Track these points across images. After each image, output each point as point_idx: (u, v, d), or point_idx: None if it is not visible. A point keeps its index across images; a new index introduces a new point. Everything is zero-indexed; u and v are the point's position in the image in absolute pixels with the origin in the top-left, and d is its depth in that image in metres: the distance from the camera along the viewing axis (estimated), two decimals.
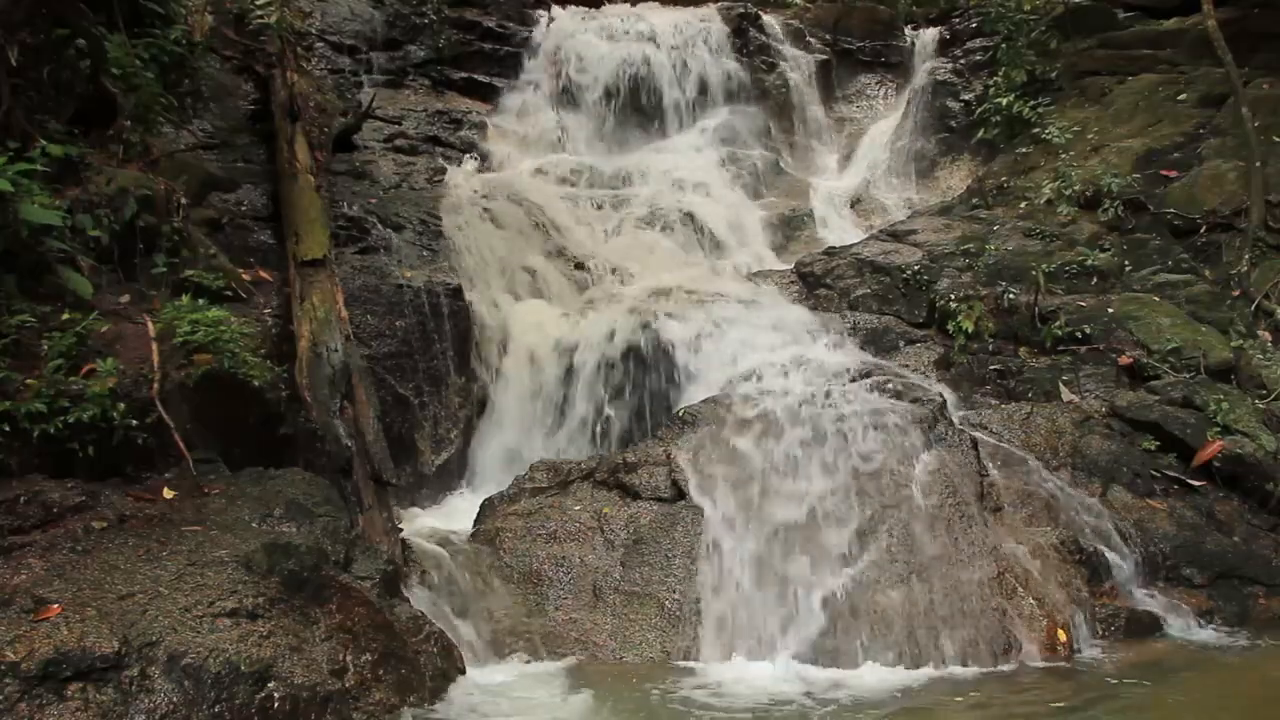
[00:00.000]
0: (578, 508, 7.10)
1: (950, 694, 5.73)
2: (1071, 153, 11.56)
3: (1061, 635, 6.22)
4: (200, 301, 6.53)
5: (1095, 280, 9.72)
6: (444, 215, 10.04)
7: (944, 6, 15.72)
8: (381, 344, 8.30)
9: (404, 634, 5.54)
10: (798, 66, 14.76)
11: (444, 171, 11.31)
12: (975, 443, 7.37)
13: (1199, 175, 10.60)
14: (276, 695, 4.74)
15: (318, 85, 10.08)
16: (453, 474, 8.50)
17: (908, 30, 15.54)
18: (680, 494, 6.99)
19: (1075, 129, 12.03)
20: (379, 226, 9.44)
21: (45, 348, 5.74)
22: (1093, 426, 7.99)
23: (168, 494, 5.78)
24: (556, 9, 14.48)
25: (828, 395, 7.65)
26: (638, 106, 13.55)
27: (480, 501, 7.55)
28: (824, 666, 6.05)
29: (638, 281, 10.12)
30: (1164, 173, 10.84)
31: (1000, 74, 13.23)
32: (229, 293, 7.25)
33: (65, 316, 5.95)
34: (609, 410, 8.58)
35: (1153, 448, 7.87)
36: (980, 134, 13.00)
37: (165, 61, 8.06)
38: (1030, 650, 6.15)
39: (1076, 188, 10.71)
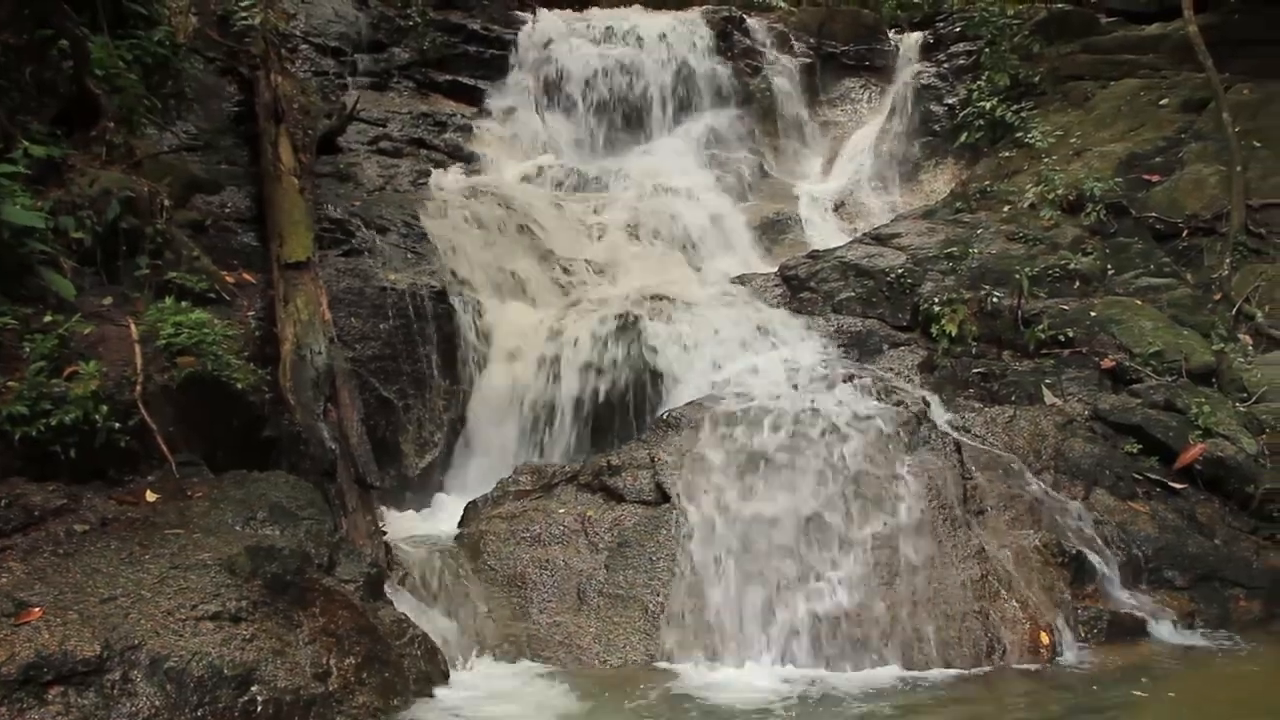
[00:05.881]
0: (562, 510, 7.09)
1: (932, 697, 5.75)
2: (1054, 157, 11.64)
3: (1044, 638, 6.25)
4: (183, 304, 6.51)
5: (1078, 284, 9.77)
6: (428, 218, 10.01)
7: (928, 11, 15.83)
8: (365, 347, 8.27)
9: (387, 637, 5.53)
10: (782, 70, 14.78)
11: (428, 174, 11.27)
12: (959, 446, 7.40)
13: (1180, 179, 10.69)
14: (259, 699, 4.72)
15: (302, 87, 10.03)
16: (437, 477, 8.48)
17: (892, 34, 15.61)
18: (664, 496, 6.98)
19: (1058, 133, 12.13)
20: (363, 229, 9.40)
21: (27, 350, 5.70)
22: (1075, 429, 8.03)
23: (150, 497, 5.75)
24: (542, 11, 14.45)
25: (811, 399, 7.67)
26: (623, 110, 13.57)
27: (464, 504, 7.55)
28: (807, 669, 6.06)
29: (622, 284, 10.12)
30: (1146, 177, 10.93)
31: (983, 78, 13.32)
32: (212, 295, 7.22)
33: (47, 319, 5.91)
34: (593, 412, 8.58)
35: (1135, 451, 7.92)
36: (964, 138, 13.05)
37: (149, 63, 8.05)
38: (1013, 653, 6.18)
39: (1059, 191, 10.77)
